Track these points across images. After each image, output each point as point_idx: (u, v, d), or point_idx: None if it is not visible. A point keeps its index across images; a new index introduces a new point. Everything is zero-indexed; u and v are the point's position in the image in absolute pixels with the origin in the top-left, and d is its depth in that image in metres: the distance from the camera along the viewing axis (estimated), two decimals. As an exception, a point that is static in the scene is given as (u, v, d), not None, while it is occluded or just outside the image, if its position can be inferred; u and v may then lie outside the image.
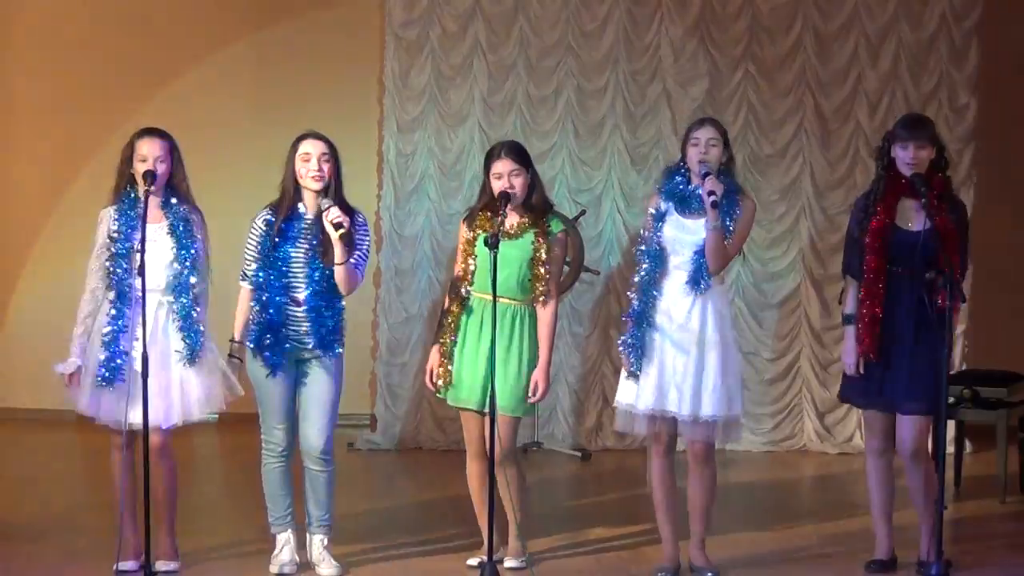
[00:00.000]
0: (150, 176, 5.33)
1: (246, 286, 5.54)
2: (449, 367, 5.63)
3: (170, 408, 5.44)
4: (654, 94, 8.68)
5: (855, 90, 8.67)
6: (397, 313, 8.63)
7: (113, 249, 5.42)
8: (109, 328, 5.40)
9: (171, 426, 5.47)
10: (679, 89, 8.67)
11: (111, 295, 5.42)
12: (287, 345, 5.45)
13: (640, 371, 5.50)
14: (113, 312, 5.41)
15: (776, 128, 8.70)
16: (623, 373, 5.61)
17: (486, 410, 5.42)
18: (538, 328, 5.58)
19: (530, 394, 5.55)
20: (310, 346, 5.47)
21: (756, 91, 8.68)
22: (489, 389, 5.34)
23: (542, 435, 8.53)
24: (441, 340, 5.67)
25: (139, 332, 5.24)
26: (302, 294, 5.44)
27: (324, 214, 5.37)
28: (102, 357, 5.38)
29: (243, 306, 5.55)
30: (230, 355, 5.55)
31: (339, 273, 5.41)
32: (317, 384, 5.51)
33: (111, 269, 5.41)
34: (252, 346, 5.48)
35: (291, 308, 5.44)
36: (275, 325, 5.42)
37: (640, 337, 5.50)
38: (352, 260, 5.43)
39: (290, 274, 5.45)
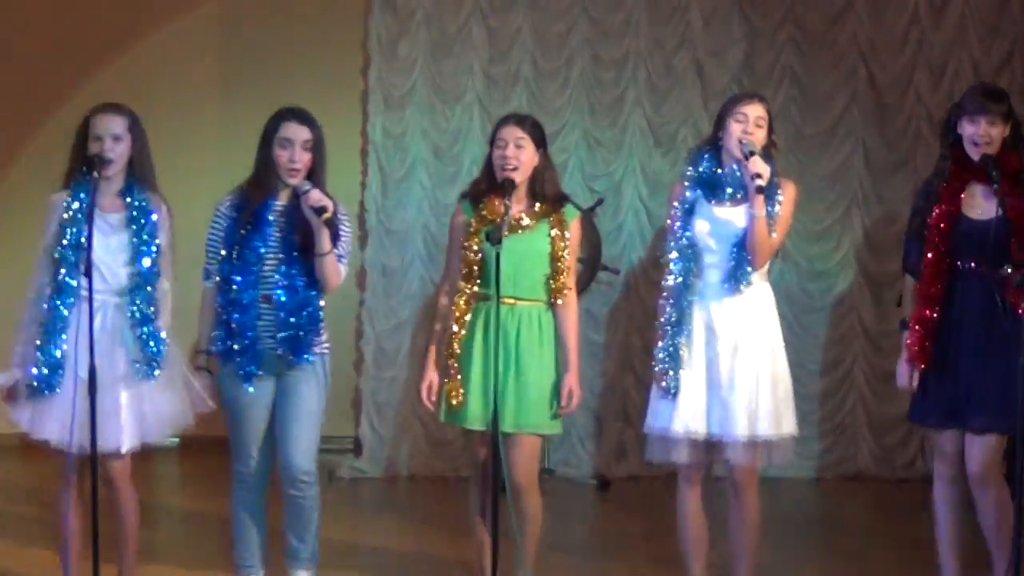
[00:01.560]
0: (99, 160, 5.25)
1: (209, 285, 5.46)
2: (459, 383, 5.57)
3: (125, 429, 5.31)
4: (682, 65, 8.70)
5: (915, 58, 8.72)
6: (385, 319, 8.61)
7: (65, 241, 5.32)
8: (46, 328, 5.29)
9: (130, 450, 5.37)
10: (711, 59, 8.70)
11: (49, 291, 5.33)
12: (259, 350, 5.38)
13: (677, 389, 5.44)
14: (53, 310, 5.30)
15: (823, 103, 8.71)
16: (654, 391, 5.54)
17: (506, 430, 5.44)
18: (562, 329, 5.57)
19: (563, 403, 5.54)
20: (282, 352, 5.39)
21: (800, 60, 8.72)
22: (499, 404, 5.32)
23: (554, 460, 8.54)
24: (448, 352, 5.62)
25: (86, 340, 5.12)
26: (275, 292, 5.37)
27: (303, 198, 5.29)
28: (39, 357, 5.29)
29: (208, 309, 5.47)
30: (197, 368, 5.48)
31: (323, 265, 5.32)
32: (297, 395, 5.44)
33: (59, 261, 5.31)
34: (220, 355, 5.40)
35: (263, 308, 5.37)
36: (245, 328, 5.35)
37: (675, 350, 5.44)
38: (338, 251, 5.36)
39: (261, 269, 5.37)
